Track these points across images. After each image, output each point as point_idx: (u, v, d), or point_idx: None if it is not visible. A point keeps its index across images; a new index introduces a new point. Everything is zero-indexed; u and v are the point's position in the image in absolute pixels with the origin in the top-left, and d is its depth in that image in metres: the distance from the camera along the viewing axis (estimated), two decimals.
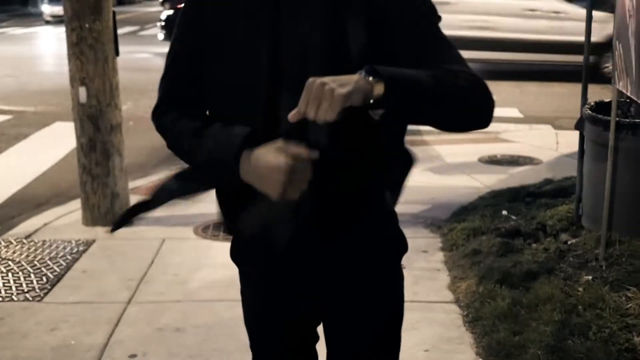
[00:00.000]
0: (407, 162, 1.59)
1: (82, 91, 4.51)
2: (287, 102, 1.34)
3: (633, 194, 3.86)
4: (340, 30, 1.42)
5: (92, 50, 4.48)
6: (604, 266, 3.59)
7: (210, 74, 1.49)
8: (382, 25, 1.43)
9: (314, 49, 1.41)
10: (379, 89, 1.28)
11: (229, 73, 1.45)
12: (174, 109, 1.56)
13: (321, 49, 1.41)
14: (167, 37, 16.16)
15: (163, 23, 16.37)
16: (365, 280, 1.58)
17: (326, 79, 1.26)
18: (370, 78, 1.28)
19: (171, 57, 1.55)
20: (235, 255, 1.65)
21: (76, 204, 4.96)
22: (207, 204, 5.27)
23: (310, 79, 1.26)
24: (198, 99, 1.53)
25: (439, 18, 1.51)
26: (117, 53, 4.63)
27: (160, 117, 1.58)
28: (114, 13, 4.61)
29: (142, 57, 14.63)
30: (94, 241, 4.45)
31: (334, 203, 1.49)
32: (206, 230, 4.62)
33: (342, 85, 1.25)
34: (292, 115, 1.28)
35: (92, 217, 4.67)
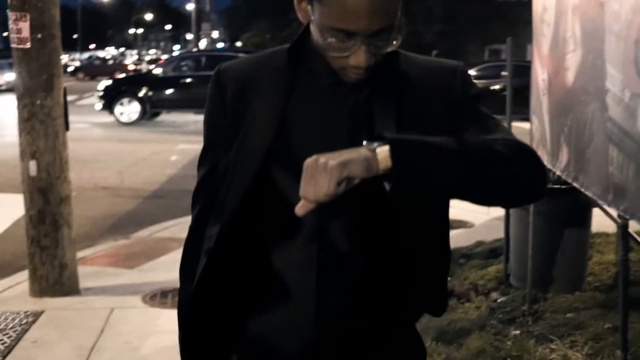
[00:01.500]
0: (444, 260, 1.43)
1: (33, 165, 4.65)
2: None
3: (553, 254, 4.21)
4: (366, 120, 1.31)
5: (43, 125, 4.64)
6: (530, 321, 3.89)
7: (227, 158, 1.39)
8: (415, 116, 1.32)
9: (339, 140, 1.27)
10: (385, 156, 1.15)
11: (239, 163, 1.36)
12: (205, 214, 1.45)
13: (347, 141, 1.23)
14: (105, 107, 16.37)
15: (101, 93, 16.59)
16: None
17: (322, 155, 1.15)
18: (375, 144, 1.16)
19: (204, 143, 1.47)
20: None
21: (23, 276, 5.01)
22: (153, 273, 5.41)
23: (307, 160, 1.15)
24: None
25: (480, 98, 1.39)
26: (67, 128, 4.80)
27: (191, 235, 1.49)
28: (64, 89, 4.80)
29: (82, 127, 14.65)
30: (42, 312, 4.51)
31: (356, 313, 1.37)
32: (154, 298, 4.74)
33: (338, 155, 1.14)
34: (299, 208, 1.17)
35: (40, 288, 4.74)
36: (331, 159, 1.13)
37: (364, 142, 1.18)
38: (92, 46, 73.84)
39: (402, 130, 1.26)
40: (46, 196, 4.68)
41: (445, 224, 1.42)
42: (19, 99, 4.68)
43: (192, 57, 19.16)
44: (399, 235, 1.33)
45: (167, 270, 5.21)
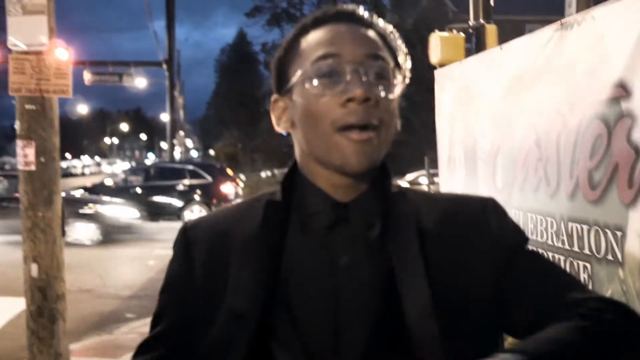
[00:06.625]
0: None
1: (34, 267, 5.51)
2: None
3: None
4: (386, 271, 1.06)
5: (43, 233, 5.54)
6: None
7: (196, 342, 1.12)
8: (447, 271, 1.07)
9: (352, 305, 1.04)
10: None
11: (226, 343, 1.07)
12: None
13: (363, 305, 1.04)
14: None
15: None
16: None
17: None
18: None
19: (155, 316, 1.19)
20: None
21: None
22: None
23: None
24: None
25: (527, 240, 1.15)
26: (63, 234, 5.70)
27: None
28: (62, 203, 5.73)
29: None
30: None
31: None
32: None
33: None
34: None
35: None
36: None
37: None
38: (68, 155, 75.16)
39: (436, 288, 1.04)
40: (45, 294, 5.52)
41: None
42: (24, 211, 5.59)
43: (142, 169, 20.38)
44: None
45: None
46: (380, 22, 1.13)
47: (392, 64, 1.10)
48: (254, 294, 1.06)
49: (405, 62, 1.14)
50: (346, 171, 1.06)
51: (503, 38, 4.13)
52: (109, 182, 18.43)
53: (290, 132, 1.14)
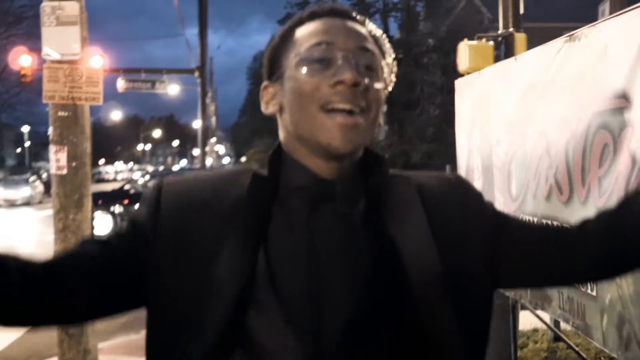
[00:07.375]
0: None
1: None
2: None
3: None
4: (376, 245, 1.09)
5: (74, 235, 5.72)
6: None
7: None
8: (449, 241, 1.12)
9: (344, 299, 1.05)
10: None
11: (199, 317, 1.06)
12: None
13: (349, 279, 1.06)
14: None
15: None
16: None
17: None
18: None
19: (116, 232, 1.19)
20: None
21: None
22: None
23: None
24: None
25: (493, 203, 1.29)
26: (93, 238, 5.88)
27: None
28: (92, 207, 5.91)
29: None
30: None
31: None
32: None
33: None
34: None
35: None
36: None
37: None
38: (101, 161, 76.20)
39: (444, 254, 1.09)
40: None
41: None
42: (55, 213, 5.78)
43: (159, 174, 20.82)
44: None
45: None
46: (372, 25, 1.21)
47: (380, 59, 1.16)
48: (238, 266, 1.05)
49: (393, 66, 1.21)
50: (330, 152, 1.09)
51: (537, 45, 4.17)
52: (128, 187, 18.74)
53: (277, 115, 1.18)
